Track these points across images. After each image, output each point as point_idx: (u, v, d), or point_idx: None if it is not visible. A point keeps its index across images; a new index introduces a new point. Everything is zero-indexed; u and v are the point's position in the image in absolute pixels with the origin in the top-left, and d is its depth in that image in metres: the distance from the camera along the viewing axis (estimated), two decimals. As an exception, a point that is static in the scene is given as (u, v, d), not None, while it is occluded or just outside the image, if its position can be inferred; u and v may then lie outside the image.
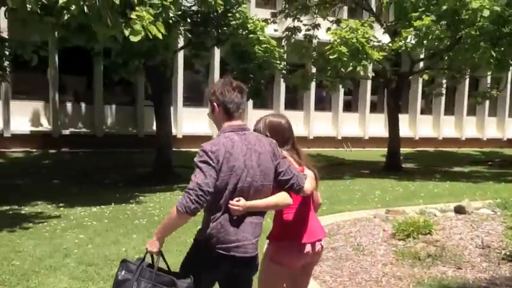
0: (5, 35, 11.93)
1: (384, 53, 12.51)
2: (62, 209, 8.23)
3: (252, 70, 11.58)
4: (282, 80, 15.60)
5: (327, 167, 15.04)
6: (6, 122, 15.38)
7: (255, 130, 3.10)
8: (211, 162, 2.67)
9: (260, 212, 2.79)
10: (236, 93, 2.84)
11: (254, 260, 2.78)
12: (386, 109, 17.85)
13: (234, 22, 11.04)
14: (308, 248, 3.02)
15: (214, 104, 2.83)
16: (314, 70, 15.52)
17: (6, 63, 12.14)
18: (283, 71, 13.48)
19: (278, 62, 11.92)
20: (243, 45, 11.28)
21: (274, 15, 15.36)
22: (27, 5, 5.76)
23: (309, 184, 2.92)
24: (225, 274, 2.76)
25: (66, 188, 10.80)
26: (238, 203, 2.66)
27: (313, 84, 17.05)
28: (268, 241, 3.08)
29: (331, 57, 11.70)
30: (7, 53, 11.66)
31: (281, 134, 3.07)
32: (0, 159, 14.26)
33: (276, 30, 15.83)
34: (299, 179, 2.86)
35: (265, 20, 13.73)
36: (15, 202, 8.44)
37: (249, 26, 11.29)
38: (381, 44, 13.42)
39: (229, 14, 11.01)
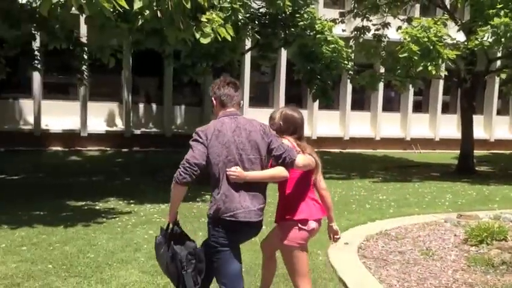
0: (84, 40, 12.63)
1: (458, 51, 11.99)
2: (132, 205, 8.57)
3: (319, 70, 11.49)
4: (348, 80, 15.37)
5: (394, 169, 14.66)
6: (84, 122, 16.26)
7: (270, 117, 3.68)
8: (199, 139, 3.13)
9: (258, 187, 3.18)
10: (229, 87, 3.27)
11: (258, 224, 3.23)
12: (459, 110, 17.09)
13: (301, 23, 11.02)
14: (313, 224, 3.44)
15: (212, 98, 3.30)
16: (382, 70, 15.18)
17: (84, 67, 12.87)
18: (350, 71, 13.28)
19: (346, 62, 11.75)
20: (310, 46, 11.22)
21: (342, 15, 15.17)
22: (104, 12, 6.05)
23: (300, 159, 3.29)
24: (236, 236, 3.20)
25: (137, 185, 11.22)
26: (235, 170, 3.05)
27: (381, 85, 16.68)
28: (276, 224, 3.56)
29: (401, 56, 11.38)
30: (86, 57, 12.35)
31: (292, 125, 3.58)
32: (77, 157, 15.07)
33: (344, 30, 15.64)
34: (291, 153, 3.25)
35: (334, 20, 13.59)
36: (90, 198, 8.87)
37: (316, 26, 11.21)
38: (455, 42, 12.88)
39: (297, 15, 11.01)
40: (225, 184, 3.11)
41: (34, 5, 11.27)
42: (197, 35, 7.18)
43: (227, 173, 3.07)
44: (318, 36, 11.12)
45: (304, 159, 3.35)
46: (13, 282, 4.47)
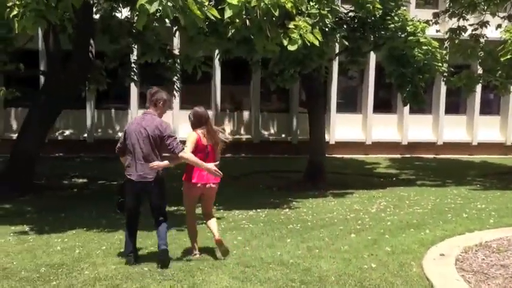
0: (176, 52, 13.21)
1: None
2: (221, 211, 8.75)
3: (411, 74, 11.05)
4: (443, 82, 14.64)
5: (494, 176, 13.74)
6: (176, 129, 16.94)
7: (189, 115, 5.48)
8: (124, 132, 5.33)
9: (147, 160, 5.13)
10: (151, 94, 5.32)
11: (146, 183, 5.18)
12: None
13: (392, 25, 10.68)
14: (200, 185, 5.49)
15: None
16: (480, 71, 14.31)
17: (175, 77, 13.44)
18: (444, 73, 12.65)
19: (440, 64, 11.18)
20: (401, 49, 10.82)
21: (436, 15, 14.52)
22: (197, 23, 6.27)
23: (184, 155, 5.17)
24: (136, 190, 5.23)
25: (225, 191, 11.45)
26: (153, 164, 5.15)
27: (478, 87, 15.73)
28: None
29: (502, 59, 10.66)
30: (178, 68, 12.90)
31: (199, 119, 5.45)
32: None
33: (438, 31, 14.96)
34: (176, 149, 5.16)
35: (427, 21, 13.03)
36: (182, 203, 9.16)
37: (408, 28, 10.79)
38: None
39: (388, 17, 10.69)
40: (130, 157, 5.19)
41: (132, 20, 11.99)
42: (285, 42, 7.21)
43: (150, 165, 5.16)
44: (410, 38, 10.68)
45: (187, 156, 5.17)
46: (113, 283, 4.72)
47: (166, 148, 5.19)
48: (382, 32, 10.90)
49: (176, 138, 5.20)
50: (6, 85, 13.12)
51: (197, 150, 5.35)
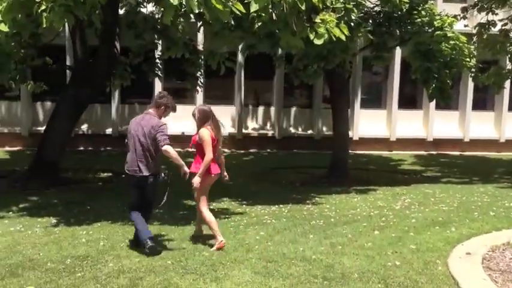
0: (200, 47, 13.24)
1: None
2: (244, 206, 8.76)
3: (437, 69, 10.84)
4: (470, 78, 14.35)
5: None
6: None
7: (192, 115, 5.88)
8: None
9: (142, 157, 5.51)
10: (159, 96, 5.73)
11: (140, 178, 5.55)
12: None
13: (419, 20, 10.49)
14: (214, 175, 5.90)
15: None
16: (509, 66, 13.98)
17: (199, 73, 13.50)
18: (472, 69, 12.40)
19: (467, 59, 10.94)
20: (427, 44, 10.63)
21: (464, 9, 14.22)
22: (222, 18, 6.27)
23: (167, 148, 5.43)
24: (133, 184, 5.62)
25: (248, 186, 11.47)
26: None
27: (507, 83, 15.37)
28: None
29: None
30: (201, 63, 12.96)
31: (207, 115, 5.86)
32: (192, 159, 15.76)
33: (466, 26, 14.65)
34: (161, 141, 5.44)
35: (455, 16, 12.78)
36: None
37: (435, 23, 10.58)
38: None
39: (415, 12, 10.51)
40: (129, 152, 5.62)
41: (157, 16, 12.07)
42: (311, 36, 7.15)
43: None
44: (437, 33, 10.47)
45: (170, 151, 5.44)
46: (136, 276, 4.77)
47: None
48: (409, 27, 10.73)
49: (165, 134, 5.49)
50: (34, 80, 13.36)
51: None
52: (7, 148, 16.29)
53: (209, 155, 5.69)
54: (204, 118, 5.84)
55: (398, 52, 16.48)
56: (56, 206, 8.71)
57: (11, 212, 7.96)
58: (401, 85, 17.90)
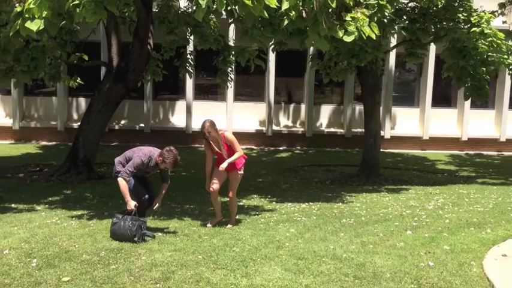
0: (231, 44, 13.30)
1: None
2: (274, 203, 8.76)
3: (472, 67, 10.60)
4: (508, 76, 13.96)
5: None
6: (230, 121, 17.13)
7: (205, 131, 6.25)
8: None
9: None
10: (167, 150, 6.01)
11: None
12: None
13: (455, 16, 10.27)
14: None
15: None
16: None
17: (229, 69, 13.56)
18: (510, 66, 12.06)
19: (505, 56, 10.64)
20: (463, 40, 10.40)
21: (502, 5, 13.85)
22: (254, 14, 6.25)
23: (119, 180, 6.02)
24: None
25: (278, 183, 11.48)
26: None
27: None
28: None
29: None
30: (232, 59, 13.01)
31: (213, 126, 6.32)
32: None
33: (504, 22, 14.26)
34: (119, 174, 6.10)
35: (492, 12, 12.46)
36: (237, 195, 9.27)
37: (472, 19, 10.34)
38: None
39: (451, 8, 10.29)
40: None
41: (189, 10, 12.16)
42: (340, 34, 7.07)
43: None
44: (474, 29, 10.23)
45: (120, 184, 6.05)
46: (168, 269, 4.84)
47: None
48: (444, 23, 10.51)
49: (128, 169, 6.05)
50: (70, 76, 13.69)
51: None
52: (43, 142, 16.74)
53: (241, 150, 6.51)
54: (215, 128, 6.34)
55: (432, 49, 16.18)
56: (90, 200, 8.91)
57: (47, 205, 8.19)
58: (435, 83, 17.57)
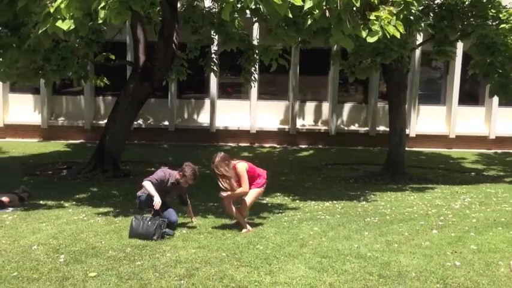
0: (255, 43, 13.32)
1: None
2: (297, 201, 8.75)
3: (500, 64, 10.39)
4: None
5: None
6: (254, 119, 17.17)
7: (220, 165, 6.13)
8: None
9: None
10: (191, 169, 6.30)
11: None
12: None
13: (483, 12, 10.08)
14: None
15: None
16: None
17: (253, 68, 13.59)
18: (540, 63, 11.79)
19: (535, 53, 10.42)
20: (492, 36, 10.19)
21: (532, 2, 13.52)
22: (279, 12, 6.24)
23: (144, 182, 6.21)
24: None
25: (301, 182, 11.45)
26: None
27: None
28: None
29: None
30: (257, 58, 13.04)
31: (225, 160, 6.20)
32: (248, 153, 15.92)
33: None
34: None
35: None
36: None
37: (501, 15, 10.14)
38: None
39: (479, 5, 10.10)
40: None
41: (213, 10, 12.23)
42: (364, 34, 7.00)
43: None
44: (502, 26, 10.02)
45: (145, 185, 6.23)
46: (193, 266, 4.89)
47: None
48: (471, 20, 10.32)
49: (152, 177, 6.32)
50: (97, 75, 13.91)
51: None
52: (70, 141, 17.06)
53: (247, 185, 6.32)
54: (226, 162, 6.17)
55: (459, 46, 15.88)
56: (116, 197, 9.06)
57: (74, 202, 8.36)
58: (462, 80, 17.26)
